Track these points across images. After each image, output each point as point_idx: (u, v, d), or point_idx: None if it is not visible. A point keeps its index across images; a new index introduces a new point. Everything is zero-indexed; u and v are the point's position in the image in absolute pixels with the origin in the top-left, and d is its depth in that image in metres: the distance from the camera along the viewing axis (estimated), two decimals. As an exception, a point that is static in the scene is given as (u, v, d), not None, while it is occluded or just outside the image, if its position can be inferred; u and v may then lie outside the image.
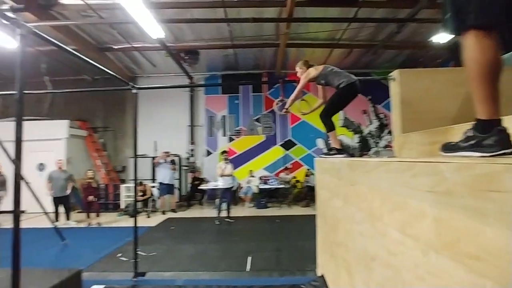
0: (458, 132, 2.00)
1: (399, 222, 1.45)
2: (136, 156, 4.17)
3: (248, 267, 4.12)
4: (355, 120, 10.69)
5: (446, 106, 3.30)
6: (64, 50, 2.59)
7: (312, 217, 3.51)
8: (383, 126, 10.68)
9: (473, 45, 1.08)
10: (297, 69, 3.40)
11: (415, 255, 1.30)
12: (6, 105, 11.06)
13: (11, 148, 8.23)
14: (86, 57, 8.51)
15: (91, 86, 9.77)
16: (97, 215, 7.25)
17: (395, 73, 3.65)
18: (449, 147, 1.33)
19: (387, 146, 10.46)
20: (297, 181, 9.91)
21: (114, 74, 3.73)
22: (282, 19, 6.63)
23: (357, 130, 10.72)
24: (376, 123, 10.72)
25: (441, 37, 6.93)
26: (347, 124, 10.67)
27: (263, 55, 9.31)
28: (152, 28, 5.69)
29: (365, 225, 1.89)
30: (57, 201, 7.00)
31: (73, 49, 7.50)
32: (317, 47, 8.54)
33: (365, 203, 1.90)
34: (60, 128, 9.14)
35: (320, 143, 10.49)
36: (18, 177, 1.94)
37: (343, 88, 3.01)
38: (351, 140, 10.70)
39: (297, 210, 8.32)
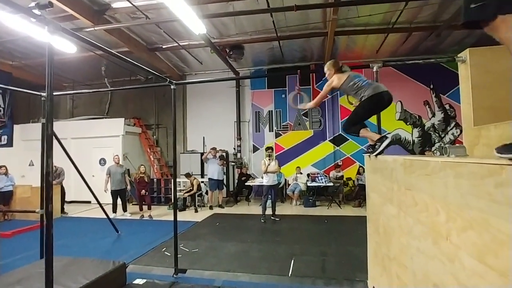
0: None
1: (476, 246, 1.06)
2: (175, 152, 4.16)
3: (290, 271, 3.85)
4: (414, 113, 9.64)
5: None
6: (96, 47, 2.60)
7: (364, 219, 3.13)
8: (449, 119, 9.45)
9: None
10: (325, 69, 3.06)
11: (501, 297, 0.92)
12: (75, 106, 12.30)
13: (78, 144, 8.90)
14: (138, 57, 8.79)
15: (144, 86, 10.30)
16: (149, 208, 7.59)
17: (464, 53, 3.06)
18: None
19: (454, 141, 9.26)
20: (348, 179, 9.30)
21: (154, 71, 3.74)
22: (328, 4, 6.11)
23: (417, 123, 9.66)
24: (440, 115, 9.54)
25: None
26: (405, 117, 9.67)
27: (310, 45, 8.82)
28: (195, 24, 5.67)
29: (425, 242, 1.50)
30: (115, 193, 7.55)
31: (126, 51, 7.87)
32: (370, 33, 7.77)
33: (426, 214, 1.51)
34: (117, 125, 9.82)
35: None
36: (50, 175, 1.93)
37: (365, 100, 2.68)
38: (410, 135, 9.68)
39: (348, 211, 7.76)
